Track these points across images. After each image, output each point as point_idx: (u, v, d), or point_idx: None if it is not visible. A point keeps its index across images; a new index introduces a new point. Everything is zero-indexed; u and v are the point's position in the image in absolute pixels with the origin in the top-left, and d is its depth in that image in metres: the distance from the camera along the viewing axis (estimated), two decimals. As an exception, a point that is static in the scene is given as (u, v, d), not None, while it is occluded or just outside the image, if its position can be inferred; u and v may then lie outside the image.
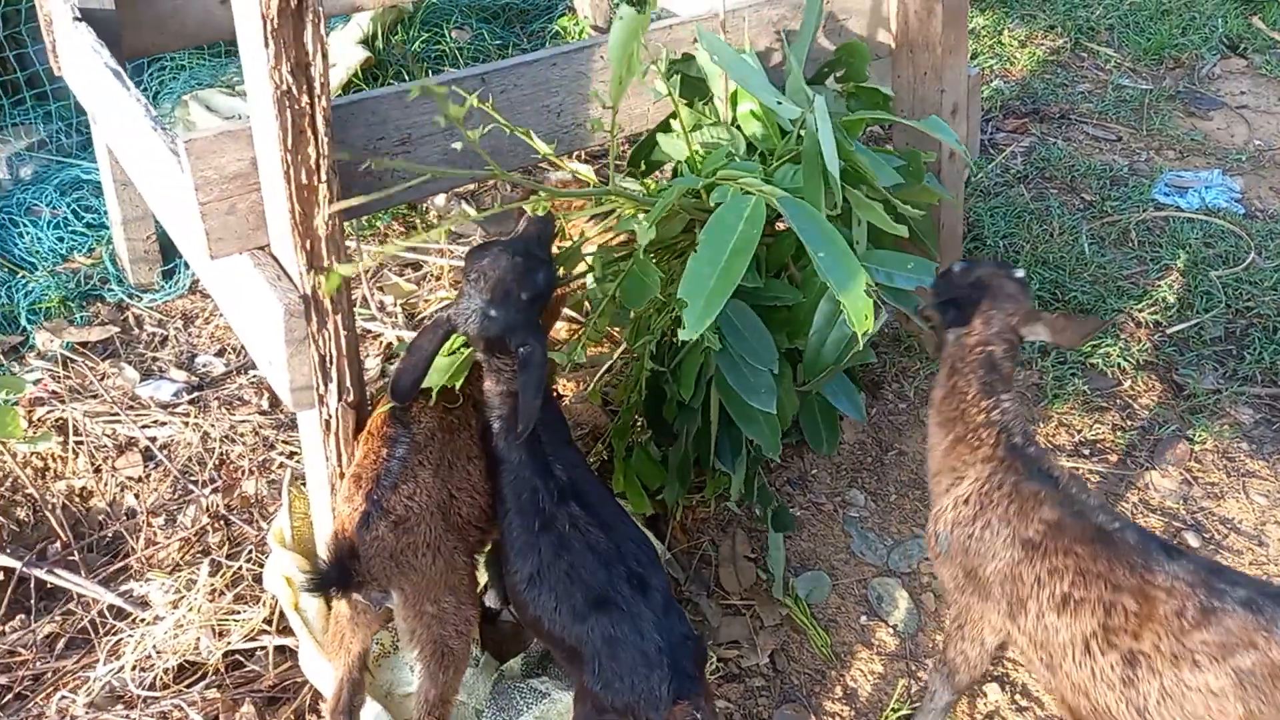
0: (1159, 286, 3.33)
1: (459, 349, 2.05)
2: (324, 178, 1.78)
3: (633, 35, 1.72)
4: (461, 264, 3.29)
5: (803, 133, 1.89)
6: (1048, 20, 4.63)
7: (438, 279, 3.34)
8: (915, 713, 2.24)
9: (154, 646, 2.36)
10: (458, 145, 1.84)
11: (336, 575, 1.83)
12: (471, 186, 3.60)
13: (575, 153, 3.07)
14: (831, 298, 2.07)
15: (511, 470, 1.97)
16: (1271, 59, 4.42)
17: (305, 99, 1.70)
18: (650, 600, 1.82)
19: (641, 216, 1.96)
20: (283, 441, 2.84)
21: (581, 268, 2.17)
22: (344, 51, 3.85)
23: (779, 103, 1.89)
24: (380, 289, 3.30)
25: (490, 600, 2.39)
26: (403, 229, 3.54)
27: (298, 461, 2.74)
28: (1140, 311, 3.24)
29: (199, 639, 2.36)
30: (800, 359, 2.18)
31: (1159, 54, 4.43)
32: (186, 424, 2.88)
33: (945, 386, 1.99)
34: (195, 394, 2.98)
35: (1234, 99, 4.23)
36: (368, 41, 3.93)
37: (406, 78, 3.94)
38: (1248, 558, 2.63)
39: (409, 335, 3.11)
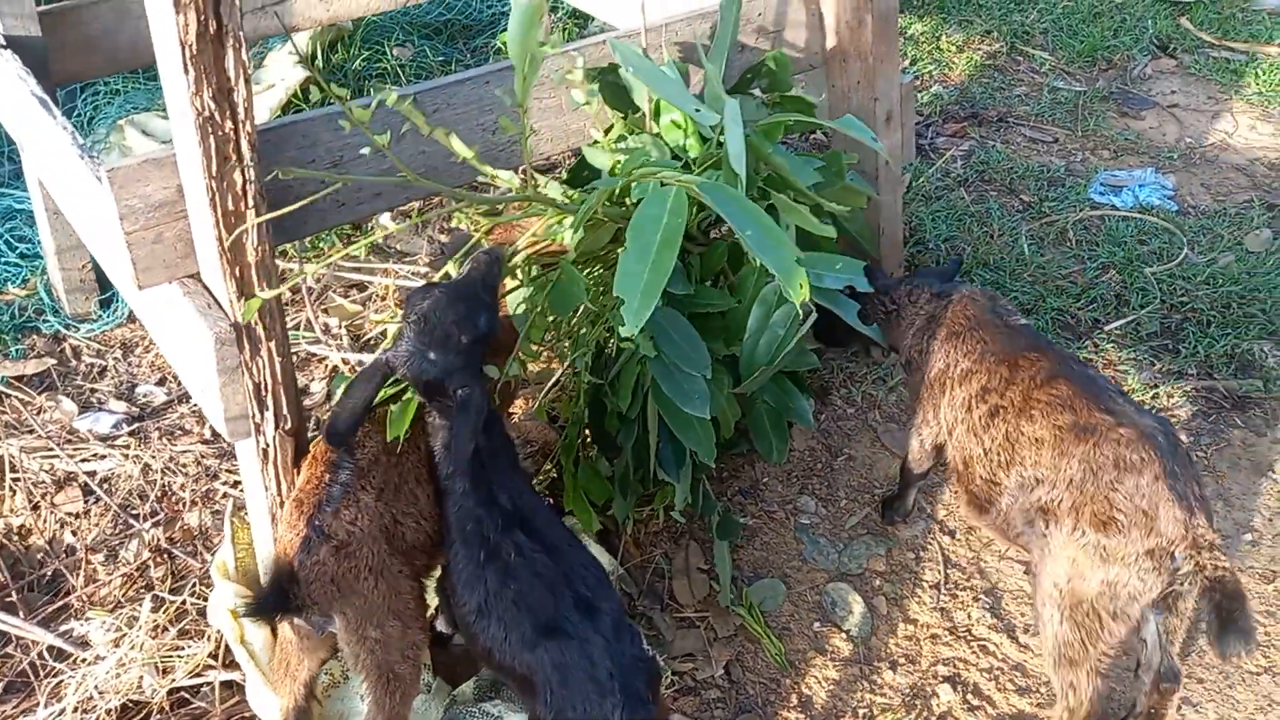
0: (1096, 284, 3.40)
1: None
2: (251, 204, 1.76)
3: (530, 24, 1.72)
4: (406, 283, 3.28)
5: (723, 139, 1.90)
6: (984, 25, 4.71)
7: (383, 299, 3.31)
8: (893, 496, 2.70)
9: (96, 687, 2.30)
10: (365, 150, 1.80)
11: (275, 600, 1.80)
12: (417, 204, 3.58)
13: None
14: (764, 301, 2.08)
15: (455, 501, 1.94)
16: (1200, 58, 4.54)
17: (229, 124, 1.68)
18: (600, 624, 1.80)
19: (567, 222, 1.96)
20: (226, 471, 2.79)
21: (512, 283, 2.16)
22: (283, 72, 3.81)
23: (697, 110, 1.90)
24: (325, 311, 3.26)
25: (441, 625, 2.36)
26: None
27: (241, 491, 2.70)
28: (1079, 310, 3.30)
29: (142, 677, 2.31)
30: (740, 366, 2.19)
31: (1092, 56, 4.53)
32: (127, 456, 2.82)
33: (884, 309, 2.45)
34: (135, 425, 2.92)
35: (1165, 98, 4.33)
36: (306, 61, 3.88)
37: (347, 97, 3.90)
38: (1247, 658, 2.66)
39: (354, 357, 3.08)
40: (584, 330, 2.16)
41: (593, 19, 4.38)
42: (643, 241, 1.43)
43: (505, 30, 4.34)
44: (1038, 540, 2.08)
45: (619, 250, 2.11)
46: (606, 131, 2.27)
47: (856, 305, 2.33)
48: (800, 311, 2.09)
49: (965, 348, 2.25)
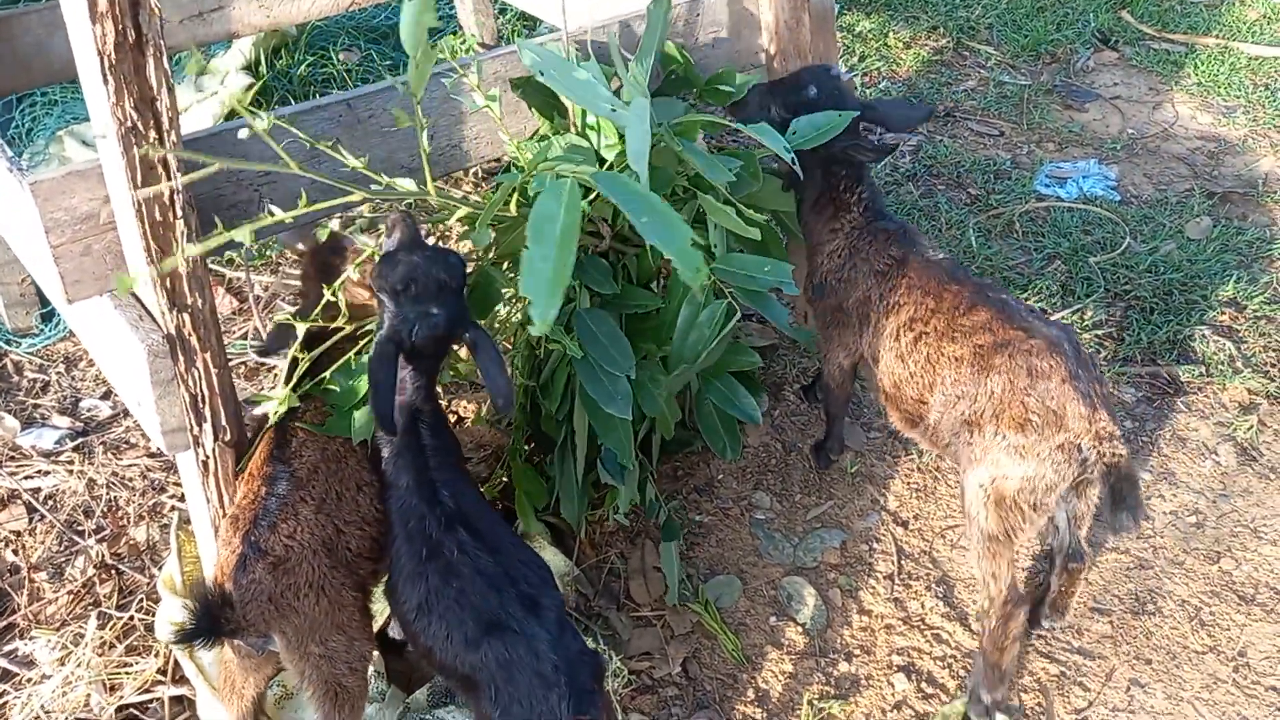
0: (1043, 275, 3.44)
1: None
2: (179, 214, 1.74)
3: (421, 17, 1.70)
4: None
5: None
6: (930, 21, 4.76)
7: (333, 306, 3.28)
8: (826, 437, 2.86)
9: (42, 707, 2.26)
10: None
11: (204, 626, 1.76)
12: (366, 210, 3.55)
13: (453, 174, 3.04)
14: (692, 301, 2.09)
15: (399, 496, 1.94)
16: (1141, 51, 4.62)
17: (153, 134, 1.66)
18: (543, 619, 1.80)
19: (478, 223, 1.95)
20: (173, 484, 2.75)
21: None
22: (226, 78, 3.76)
23: (613, 110, 1.89)
24: (272, 319, 3.22)
25: (395, 631, 2.35)
26: (295, 257, 3.46)
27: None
28: (1026, 300, 3.34)
29: (89, 695, 2.28)
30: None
31: (1036, 50, 4.60)
32: (71, 472, 2.77)
33: (818, 187, 2.51)
34: (80, 439, 2.88)
35: (1108, 90, 4.41)
36: (251, 67, 3.85)
37: (293, 103, 3.87)
38: (1134, 531, 2.73)
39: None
40: (514, 331, 2.15)
41: (540, 22, 4.37)
42: (543, 239, 1.42)
43: (452, 32, 4.33)
44: (964, 449, 2.26)
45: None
46: (531, 136, 2.27)
47: (787, 311, 2.34)
48: (724, 310, 2.10)
49: (890, 283, 2.39)
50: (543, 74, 1.99)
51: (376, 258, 1.97)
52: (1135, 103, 4.33)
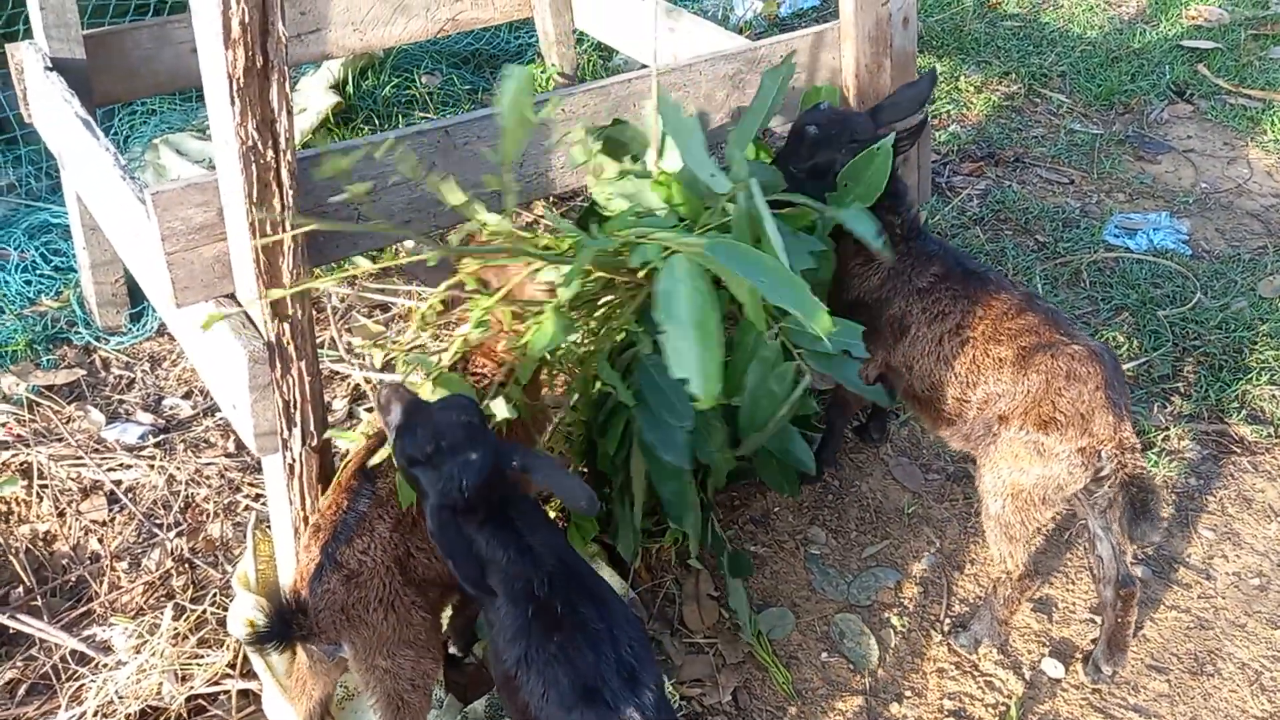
0: (1110, 326, 3.43)
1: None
2: (288, 228, 1.83)
3: (522, 92, 1.76)
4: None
5: (730, 206, 1.91)
6: (1002, 67, 4.78)
7: (405, 320, 3.38)
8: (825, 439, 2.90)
9: (116, 692, 2.35)
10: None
11: (278, 630, 1.82)
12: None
13: (542, 199, 3.13)
14: (763, 359, 2.09)
15: (499, 569, 1.87)
16: (1217, 105, 4.59)
17: (270, 154, 1.75)
18: (640, 697, 1.74)
19: (560, 275, 1.95)
20: (248, 484, 2.85)
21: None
22: (315, 97, 3.91)
23: (712, 175, 1.89)
24: (348, 330, 3.33)
25: (452, 648, 2.40)
26: (373, 272, 3.58)
27: (263, 504, 2.76)
28: (1092, 350, 3.33)
29: (161, 684, 2.36)
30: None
31: (1109, 99, 4.59)
32: (152, 466, 2.89)
33: None
34: (161, 436, 2.99)
35: (1181, 143, 4.38)
36: (338, 86, 3.99)
37: (377, 122, 4.01)
38: (1195, 591, 2.70)
39: (377, 377, 3.14)
40: (576, 371, 2.19)
41: (616, 52, 4.47)
42: (676, 319, 1.43)
43: (531, 61, 4.44)
44: (988, 440, 2.37)
45: (608, 296, 2.12)
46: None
47: (857, 364, 2.35)
48: (795, 374, 2.12)
49: (934, 297, 2.46)
50: (665, 120, 1.99)
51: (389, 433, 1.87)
52: (1209, 157, 4.30)
